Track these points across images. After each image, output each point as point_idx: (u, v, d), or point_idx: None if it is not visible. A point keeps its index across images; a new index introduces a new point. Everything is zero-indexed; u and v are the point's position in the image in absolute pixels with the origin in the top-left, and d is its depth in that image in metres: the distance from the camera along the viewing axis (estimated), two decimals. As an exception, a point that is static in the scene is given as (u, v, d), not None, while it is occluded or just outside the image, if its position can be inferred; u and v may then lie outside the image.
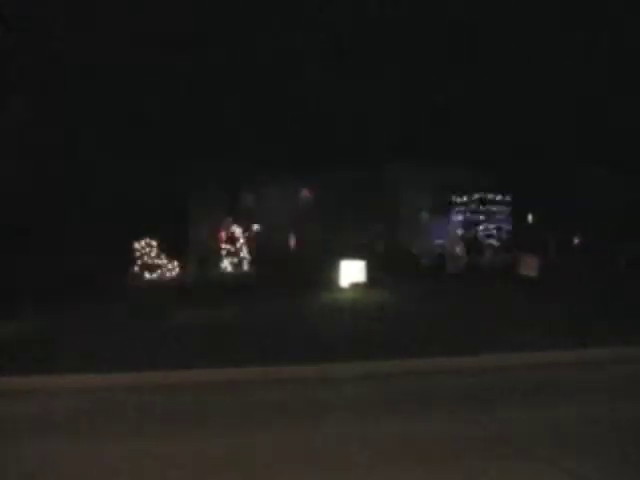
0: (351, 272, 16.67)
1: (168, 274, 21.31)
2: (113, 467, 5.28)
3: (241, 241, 22.15)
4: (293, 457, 5.45)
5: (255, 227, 23.56)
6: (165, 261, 21.96)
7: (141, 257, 21.29)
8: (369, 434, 6.01)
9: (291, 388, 7.82)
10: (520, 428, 6.09)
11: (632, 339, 9.70)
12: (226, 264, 21.94)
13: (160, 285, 19.26)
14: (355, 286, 16.25)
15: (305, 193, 26.63)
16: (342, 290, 16.06)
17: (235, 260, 22.08)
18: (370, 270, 16.87)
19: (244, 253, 22.13)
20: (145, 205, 24.01)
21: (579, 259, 19.86)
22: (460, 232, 22.02)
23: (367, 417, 6.60)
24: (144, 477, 5.11)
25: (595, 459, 5.27)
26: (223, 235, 23.51)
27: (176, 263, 21.73)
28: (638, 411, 6.68)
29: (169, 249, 23.34)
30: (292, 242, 25.09)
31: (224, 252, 22.12)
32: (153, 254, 21.60)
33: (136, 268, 21.10)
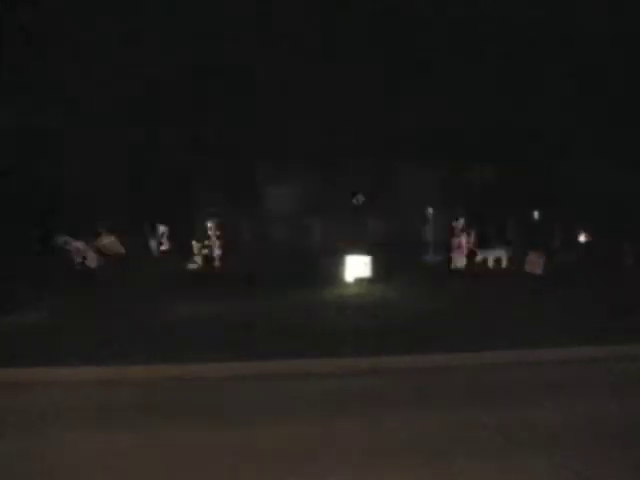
0: (356, 267, 16.72)
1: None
2: (109, 462, 5.32)
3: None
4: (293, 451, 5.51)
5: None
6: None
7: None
8: (367, 431, 6.07)
9: (294, 382, 7.88)
10: (523, 427, 6.15)
11: (634, 337, 9.76)
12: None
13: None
14: (360, 281, 16.31)
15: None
16: (347, 285, 16.12)
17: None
18: (375, 265, 16.90)
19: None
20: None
21: (585, 257, 19.86)
22: (464, 227, 22.05)
23: (366, 414, 6.66)
24: (143, 473, 5.16)
25: (598, 458, 5.32)
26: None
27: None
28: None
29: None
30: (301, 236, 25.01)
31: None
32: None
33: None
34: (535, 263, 17.23)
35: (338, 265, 16.87)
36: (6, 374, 7.87)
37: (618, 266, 18.06)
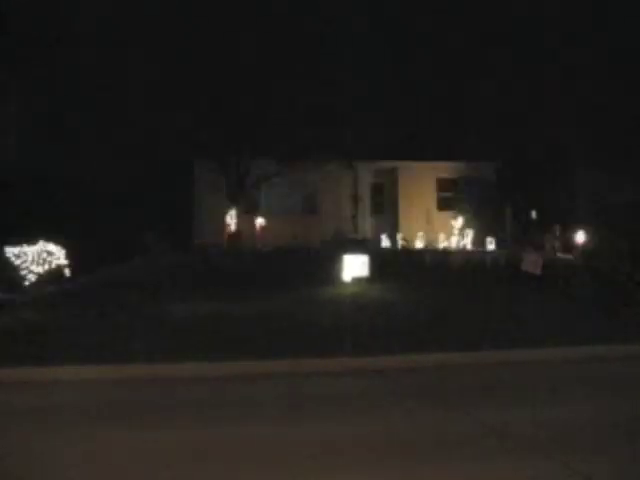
0: (354, 266, 16.62)
1: None
2: (108, 461, 5.27)
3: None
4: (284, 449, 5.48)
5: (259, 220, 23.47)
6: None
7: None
8: (368, 430, 6.03)
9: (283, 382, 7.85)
10: (523, 426, 6.11)
11: (633, 337, 9.75)
12: None
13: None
14: (358, 281, 16.21)
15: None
16: (344, 285, 16.03)
17: None
18: (372, 264, 16.80)
19: None
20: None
21: (581, 257, 19.78)
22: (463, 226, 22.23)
23: (367, 413, 6.63)
24: (142, 472, 5.11)
25: (602, 457, 5.29)
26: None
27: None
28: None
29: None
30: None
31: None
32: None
33: None
34: (534, 263, 17.15)
35: (336, 264, 16.77)
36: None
37: (615, 265, 17.99)
